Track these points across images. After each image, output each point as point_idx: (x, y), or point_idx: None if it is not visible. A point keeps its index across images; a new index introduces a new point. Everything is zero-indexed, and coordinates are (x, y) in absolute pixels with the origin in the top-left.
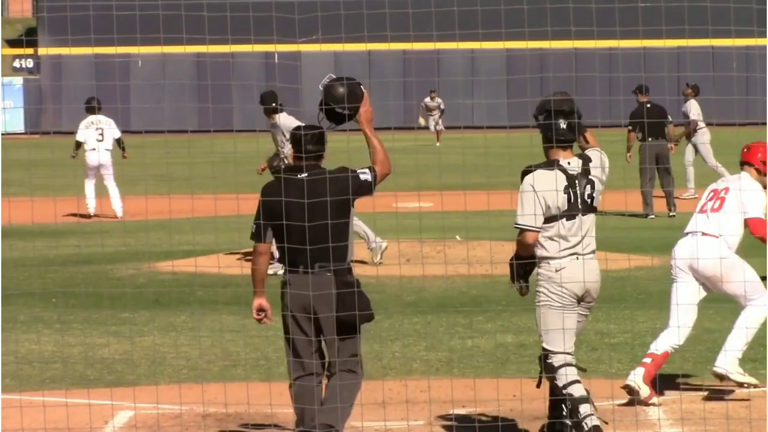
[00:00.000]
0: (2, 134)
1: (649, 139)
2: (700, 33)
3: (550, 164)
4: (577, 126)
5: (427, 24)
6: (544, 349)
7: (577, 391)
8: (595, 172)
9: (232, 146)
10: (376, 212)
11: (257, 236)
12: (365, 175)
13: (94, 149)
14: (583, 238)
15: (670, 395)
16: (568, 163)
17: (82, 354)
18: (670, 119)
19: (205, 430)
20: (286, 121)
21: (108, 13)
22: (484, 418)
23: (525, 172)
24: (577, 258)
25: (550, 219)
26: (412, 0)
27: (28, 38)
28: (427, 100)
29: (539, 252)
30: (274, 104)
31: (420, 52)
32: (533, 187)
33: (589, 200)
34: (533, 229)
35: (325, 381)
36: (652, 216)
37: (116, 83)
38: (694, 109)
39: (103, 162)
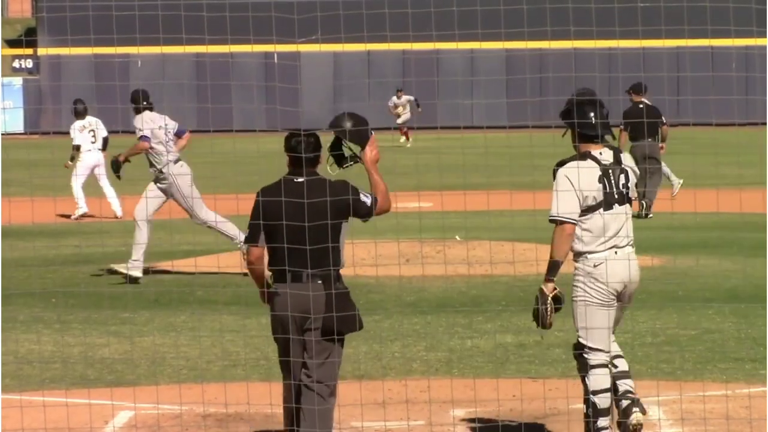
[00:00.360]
0: (2, 134)
1: (642, 139)
2: (700, 33)
3: (583, 156)
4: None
5: (427, 24)
6: (580, 344)
7: (602, 402)
8: (628, 163)
9: (232, 146)
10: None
11: (251, 239)
12: (366, 198)
13: (89, 150)
14: (620, 229)
15: (670, 395)
16: (600, 154)
17: (82, 354)
18: (664, 120)
19: (205, 430)
20: (141, 122)
21: (107, 13)
22: (483, 419)
23: (558, 165)
24: (616, 252)
25: (586, 211)
26: (411, 0)
27: (27, 38)
28: (394, 98)
29: (576, 246)
30: (145, 102)
31: (419, 52)
32: (568, 178)
33: (624, 190)
34: (571, 220)
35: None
36: (651, 215)
37: (116, 83)
38: None
39: (98, 162)
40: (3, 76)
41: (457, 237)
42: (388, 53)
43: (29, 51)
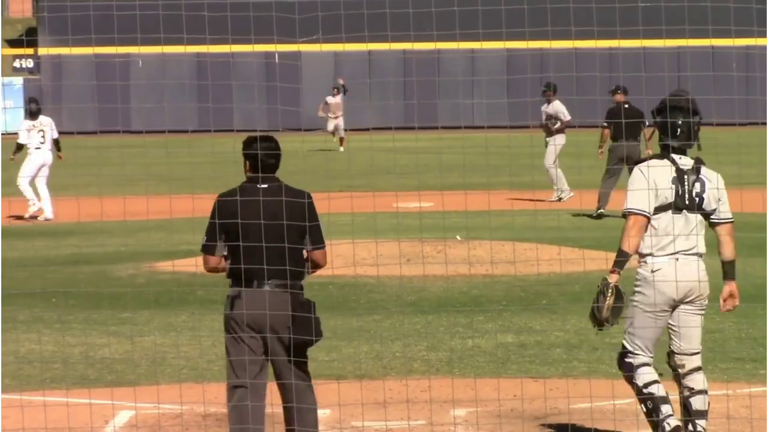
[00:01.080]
0: (2, 134)
1: (622, 140)
2: (701, 33)
3: (662, 156)
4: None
5: (428, 24)
6: (623, 347)
7: (657, 390)
8: (712, 180)
9: (233, 146)
10: (377, 212)
11: (210, 248)
12: (321, 232)
13: (38, 148)
14: (686, 236)
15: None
16: (680, 158)
17: (82, 354)
18: (647, 122)
19: (205, 429)
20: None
21: (108, 13)
22: (484, 418)
23: (636, 163)
24: (677, 259)
25: (657, 210)
26: (412, 0)
27: (28, 38)
28: (329, 98)
29: (640, 247)
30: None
31: (420, 52)
32: (643, 174)
33: (697, 199)
34: (644, 213)
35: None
36: (602, 211)
37: (116, 83)
38: (561, 107)
39: (47, 161)
40: (3, 75)
41: (457, 237)
42: (389, 53)
43: (30, 51)
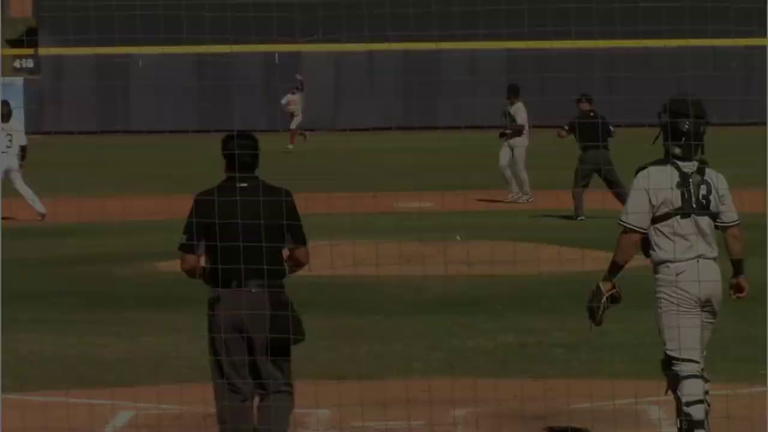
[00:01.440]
0: None
1: (592, 148)
2: (701, 33)
3: (664, 161)
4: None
5: (428, 23)
6: (667, 356)
7: (696, 413)
8: (714, 181)
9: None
10: (377, 212)
11: (189, 247)
12: (303, 230)
13: (4, 152)
14: (700, 239)
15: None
16: (683, 162)
17: (82, 354)
18: (612, 129)
19: (206, 430)
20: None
21: (108, 13)
22: (484, 419)
23: (639, 170)
24: (698, 261)
25: (663, 217)
26: (412, 0)
27: (28, 38)
28: (289, 95)
29: (658, 254)
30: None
31: (420, 51)
32: (645, 185)
33: (704, 201)
34: (638, 229)
35: (257, 401)
36: (582, 218)
37: (116, 83)
38: (522, 113)
39: (11, 166)
40: (4, 75)
41: (457, 237)
42: (389, 53)
43: (30, 51)
